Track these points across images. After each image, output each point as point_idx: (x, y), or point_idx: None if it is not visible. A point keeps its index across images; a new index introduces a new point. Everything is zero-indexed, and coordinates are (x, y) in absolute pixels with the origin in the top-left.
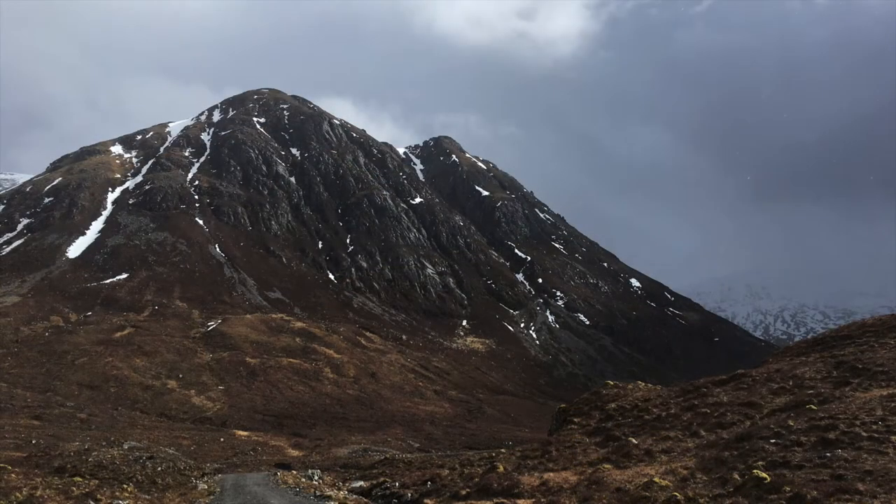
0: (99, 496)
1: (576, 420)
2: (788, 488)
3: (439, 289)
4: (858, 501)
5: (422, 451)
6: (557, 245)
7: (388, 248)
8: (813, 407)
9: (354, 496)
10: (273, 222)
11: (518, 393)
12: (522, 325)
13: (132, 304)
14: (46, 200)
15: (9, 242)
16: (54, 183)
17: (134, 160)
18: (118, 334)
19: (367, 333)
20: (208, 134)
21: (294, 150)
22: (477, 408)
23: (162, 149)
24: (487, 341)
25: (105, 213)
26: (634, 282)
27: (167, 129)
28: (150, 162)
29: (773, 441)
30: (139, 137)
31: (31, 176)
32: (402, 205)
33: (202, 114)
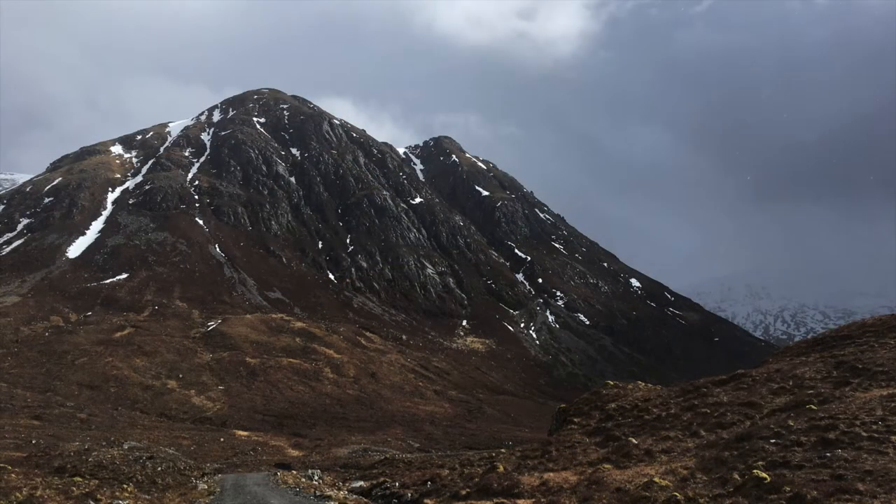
0: (99, 496)
1: (576, 420)
2: (788, 488)
3: (439, 289)
4: (858, 501)
5: (422, 451)
6: (557, 245)
7: (388, 248)
8: (813, 407)
9: (354, 496)
10: (273, 222)
11: (518, 393)
12: (522, 325)
13: (132, 304)
14: (46, 200)
15: (9, 242)
16: (54, 183)
17: (134, 160)
18: (118, 334)
19: (367, 333)
20: (208, 134)
21: (294, 150)
22: (477, 408)
23: (162, 149)
24: (487, 341)
25: (105, 213)
26: (634, 282)
27: (167, 129)
28: (150, 162)
29: (773, 441)
30: (139, 137)
31: (31, 176)
32: (402, 205)
33: (202, 114)
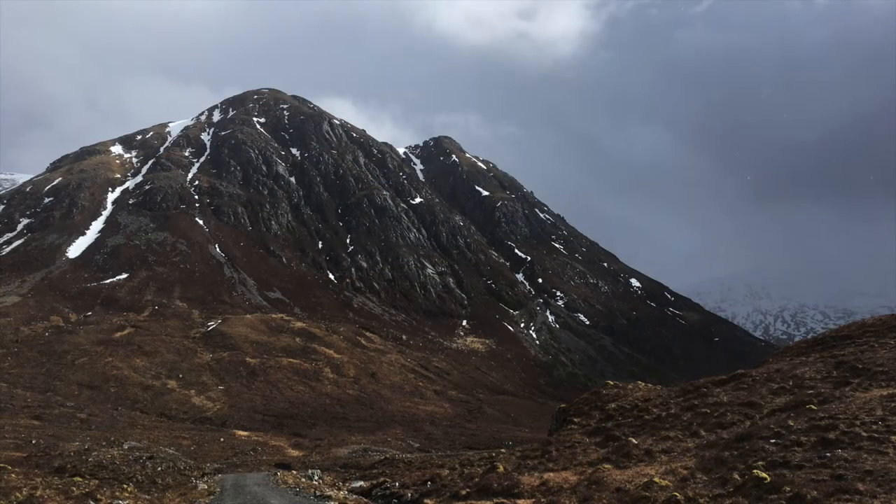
0: (99, 496)
1: (576, 420)
2: (788, 488)
3: (439, 289)
4: (858, 501)
5: (422, 451)
6: (557, 245)
7: (388, 248)
8: (813, 407)
9: (354, 496)
10: (273, 222)
11: (518, 393)
12: (522, 325)
13: (132, 304)
14: (46, 200)
15: (9, 242)
16: (54, 183)
17: (134, 160)
18: (118, 334)
19: (367, 333)
20: (208, 134)
21: (294, 150)
22: (477, 408)
23: (162, 149)
24: (487, 341)
25: (105, 213)
26: (634, 282)
27: (167, 129)
28: (150, 162)
29: (773, 441)
30: (139, 137)
31: (31, 176)
32: (402, 205)
33: (202, 114)
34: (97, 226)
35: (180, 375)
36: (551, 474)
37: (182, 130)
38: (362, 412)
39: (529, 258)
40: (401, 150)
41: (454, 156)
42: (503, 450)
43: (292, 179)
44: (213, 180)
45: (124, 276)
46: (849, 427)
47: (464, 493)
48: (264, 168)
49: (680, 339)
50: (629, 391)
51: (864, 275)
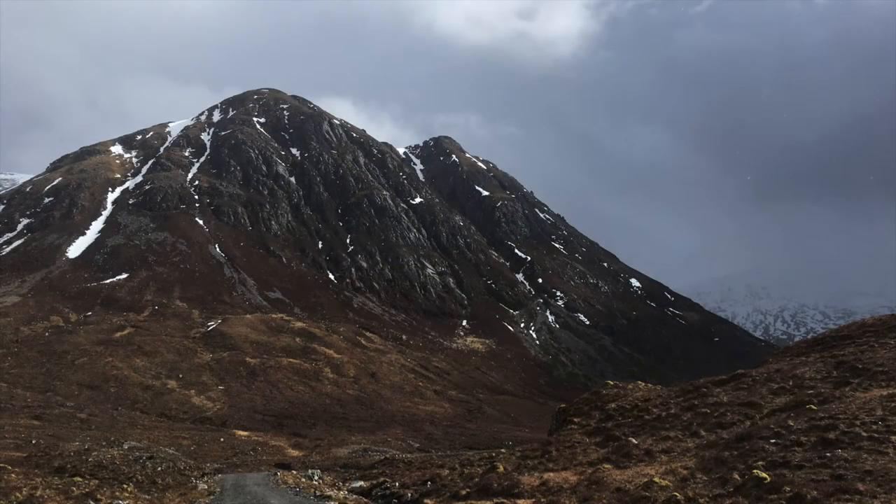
0: (99, 496)
1: (576, 420)
2: (788, 488)
3: (439, 289)
4: (858, 501)
5: (422, 451)
6: (557, 245)
7: (388, 248)
8: (813, 407)
9: (354, 496)
10: (273, 222)
11: (518, 393)
12: (522, 325)
13: (132, 304)
14: (46, 200)
15: (9, 242)
16: (54, 183)
17: (134, 160)
18: (118, 334)
19: (367, 333)
20: (208, 134)
21: (294, 150)
22: (477, 408)
23: (162, 149)
24: (487, 341)
25: (105, 213)
26: (634, 282)
27: (167, 129)
28: (150, 162)
29: (773, 441)
30: (139, 137)
31: (31, 176)
32: (402, 205)
33: (202, 114)
34: (97, 226)
35: (180, 375)
36: (551, 474)
37: (182, 130)
38: (362, 412)
39: (529, 258)
40: (401, 150)
41: (454, 156)
42: (503, 450)
43: (292, 179)
44: (213, 180)
45: (124, 276)
46: (849, 427)
47: (464, 493)
48: (264, 168)
49: (680, 339)
50: (629, 391)
51: (864, 275)
